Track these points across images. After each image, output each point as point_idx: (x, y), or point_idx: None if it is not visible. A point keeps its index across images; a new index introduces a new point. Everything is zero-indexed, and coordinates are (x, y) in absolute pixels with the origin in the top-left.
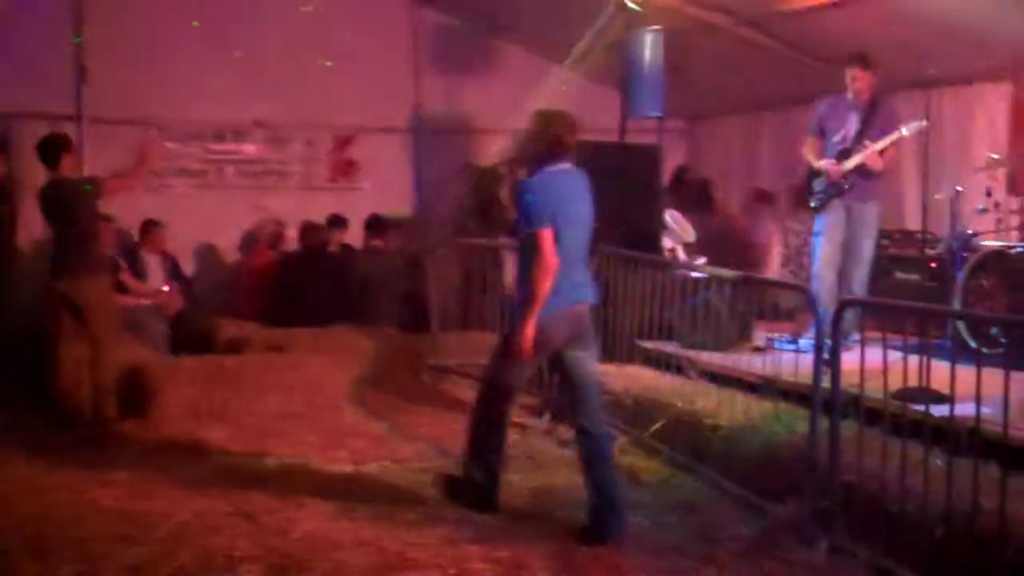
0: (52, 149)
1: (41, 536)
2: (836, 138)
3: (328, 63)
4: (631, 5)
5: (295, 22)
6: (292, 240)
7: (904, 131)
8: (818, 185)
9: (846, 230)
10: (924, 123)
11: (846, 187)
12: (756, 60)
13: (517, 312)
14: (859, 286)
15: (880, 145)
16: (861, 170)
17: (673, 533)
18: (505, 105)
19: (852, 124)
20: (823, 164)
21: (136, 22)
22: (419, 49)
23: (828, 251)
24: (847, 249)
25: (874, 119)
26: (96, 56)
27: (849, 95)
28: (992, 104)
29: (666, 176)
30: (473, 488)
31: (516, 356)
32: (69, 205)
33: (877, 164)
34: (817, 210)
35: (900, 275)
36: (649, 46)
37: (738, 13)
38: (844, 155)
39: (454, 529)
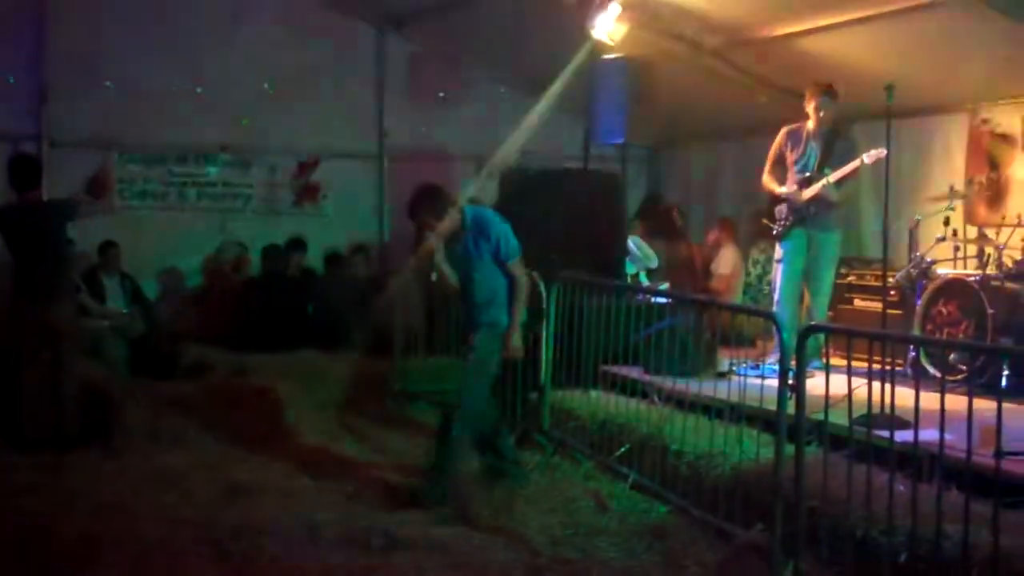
0: (31, 171)
1: (2, 560)
2: (797, 167)
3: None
4: (596, 34)
5: (260, 46)
6: (253, 263)
7: (865, 159)
8: (780, 213)
9: (807, 257)
10: (884, 152)
11: (808, 214)
12: (719, 89)
13: (504, 326)
14: (819, 313)
15: (840, 173)
16: (822, 198)
17: (640, 559)
18: (470, 131)
19: (813, 153)
20: (786, 190)
21: (99, 44)
22: (385, 75)
23: (789, 278)
24: (808, 276)
25: (834, 148)
26: (58, 77)
27: (810, 124)
28: (950, 134)
29: (631, 203)
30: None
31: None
32: (47, 229)
33: (834, 194)
34: (779, 237)
35: (860, 302)
36: (612, 74)
37: (701, 43)
38: (806, 183)
39: (423, 555)
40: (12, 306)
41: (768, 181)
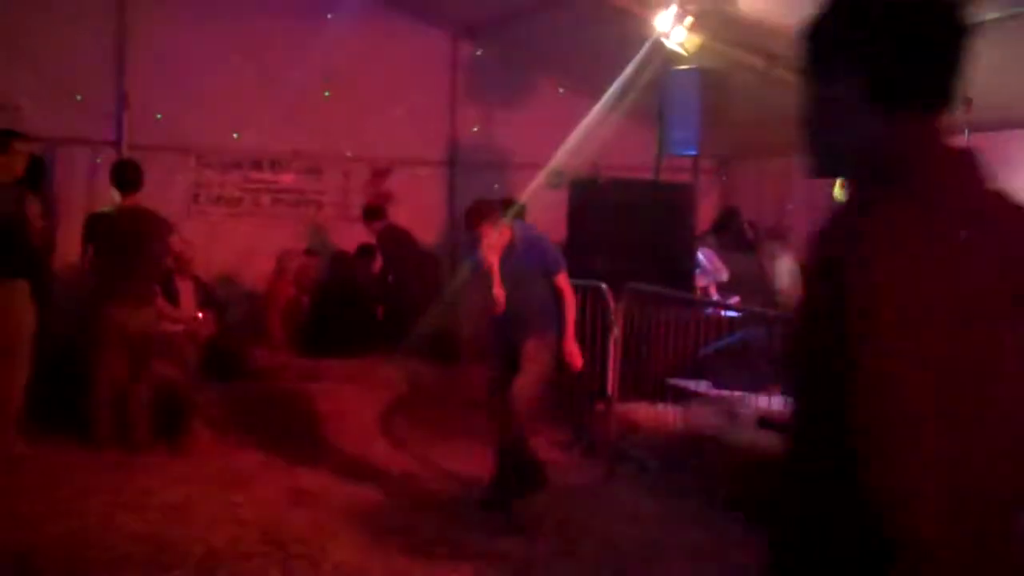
0: (135, 176)
1: (72, 559)
2: None
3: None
4: (670, 45)
5: (336, 54)
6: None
7: None
8: None
9: None
10: None
11: None
12: (790, 101)
13: (556, 333)
14: None
15: None
16: None
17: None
18: (540, 140)
19: None
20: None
21: (177, 50)
22: (456, 82)
23: None
24: None
25: None
26: (137, 83)
27: None
28: None
29: (702, 215)
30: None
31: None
32: (144, 234)
33: None
34: None
35: None
36: (686, 85)
37: (776, 56)
38: None
39: (486, 562)
40: (95, 309)
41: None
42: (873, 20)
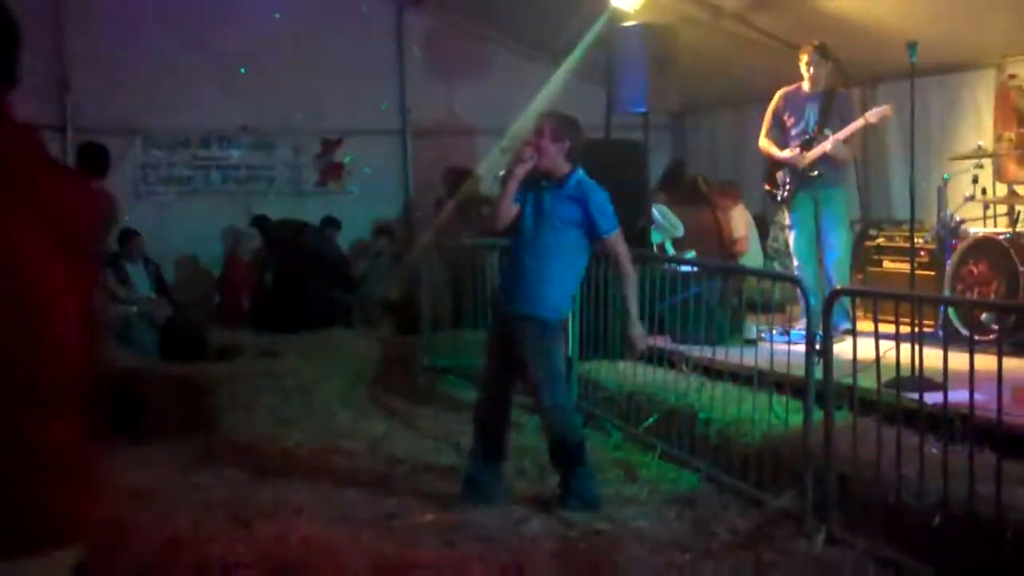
0: (106, 159)
1: None
2: (796, 130)
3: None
4: (615, 2)
5: (280, 26)
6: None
7: (869, 118)
8: (782, 177)
9: (817, 219)
10: (886, 109)
11: (812, 176)
12: (740, 53)
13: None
14: (837, 274)
15: (844, 134)
16: (825, 159)
17: (671, 528)
18: (492, 105)
19: (811, 115)
20: (788, 154)
21: (117, 30)
22: (405, 51)
23: (804, 242)
24: (819, 238)
25: (832, 109)
26: (78, 66)
27: (805, 86)
28: (978, 91)
29: (654, 171)
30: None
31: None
32: (113, 217)
33: (841, 153)
34: (784, 202)
35: (889, 264)
36: (633, 41)
37: (721, 6)
38: (806, 145)
39: (454, 532)
40: None
41: (767, 145)
42: None
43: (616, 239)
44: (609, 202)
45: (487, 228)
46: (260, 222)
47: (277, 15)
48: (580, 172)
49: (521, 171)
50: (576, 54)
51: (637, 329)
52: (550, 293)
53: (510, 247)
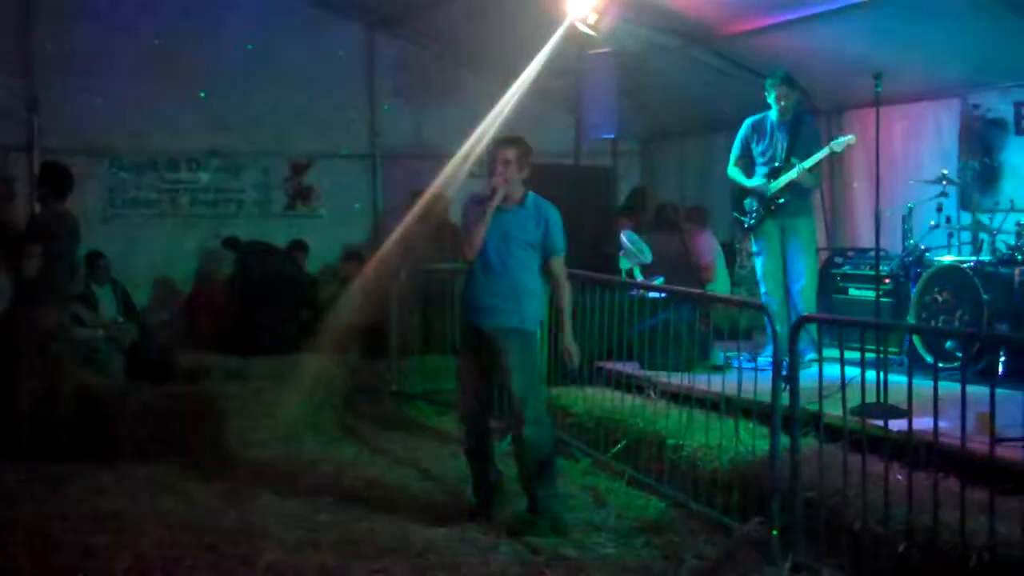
0: (69, 180)
1: (1, 571)
2: (764, 158)
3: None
4: (584, 29)
5: (248, 48)
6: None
7: (834, 147)
8: (749, 205)
9: (784, 246)
10: (852, 139)
11: (779, 203)
12: (709, 81)
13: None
14: (803, 302)
15: (810, 162)
16: (792, 187)
17: (639, 554)
18: (461, 130)
19: (779, 143)
20: (755, 183)
21: (87, 52)
22: (375, 75)
23: (771, 270)
24: (785, 266)
25: (799, 137)
26: (47, 85)
27: (773, 115)
28: (942, 121)
29: (623, 198)
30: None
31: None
32: (75, 239)
33: (808, 181)
34: (751, 229)
35: (855, 292)
36: (601, 69)
37: (689, 35)
38: (773, 174)
39: (423, 558)
40: (7, 312)
41: (735, 173)
42: None
43: (562, 259)
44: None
45: (462, 258)
46: (231, 243)
47: (250, 46)
48: (531, 193)
49: (495, 203)
50: (538, 78)
51: (572, 342)
52: (530, 307)
53: (473, 270)
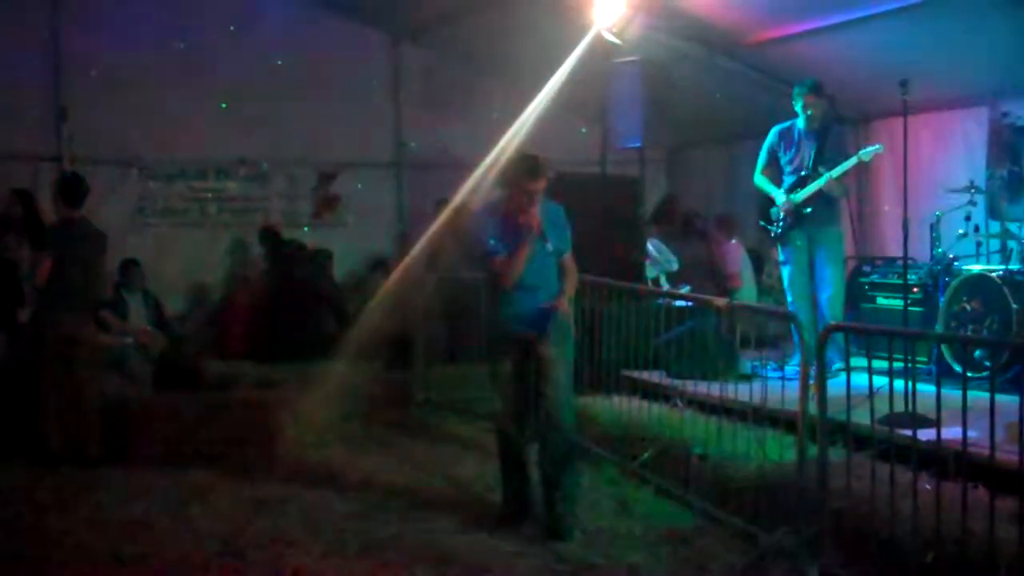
0: (82, 189)
1: None
2: (791, 167)
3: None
4: (609, 38)
5: (275, 57)
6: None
7: (862, 157)
8: (776, 214)
9: (811, 256)
10: (880, 148)
11: (806, 213)
12: (734, 89)
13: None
14: (830, 311)
15: (838, 172)
16: (819, 196)
17: (665, 564)
18: (487, 139)
19: (807, 152)
20: (779, 198)
21: (115, 61)
22: (400, 85)
23: (798, 279)
24: (813, 275)
25: (827, 146)
26: (75, 95)
27: (800, 123)
28: (970, 129)
29: (650, 207)
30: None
31: None
32: (96, 247)
33: (835, 191)
34: (779, 239)
35: (883, 301)
36: (627, 78)
37: (714, 43)
38: (801, 183)
39: (446, 562)
40: (34, 320)
41: (762, 183)
42: None
43: (571, 254)
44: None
45: (500, 286)
46: (268, 236)
47: (279, 61)
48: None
49: (536, 235)
50: (573, 89)
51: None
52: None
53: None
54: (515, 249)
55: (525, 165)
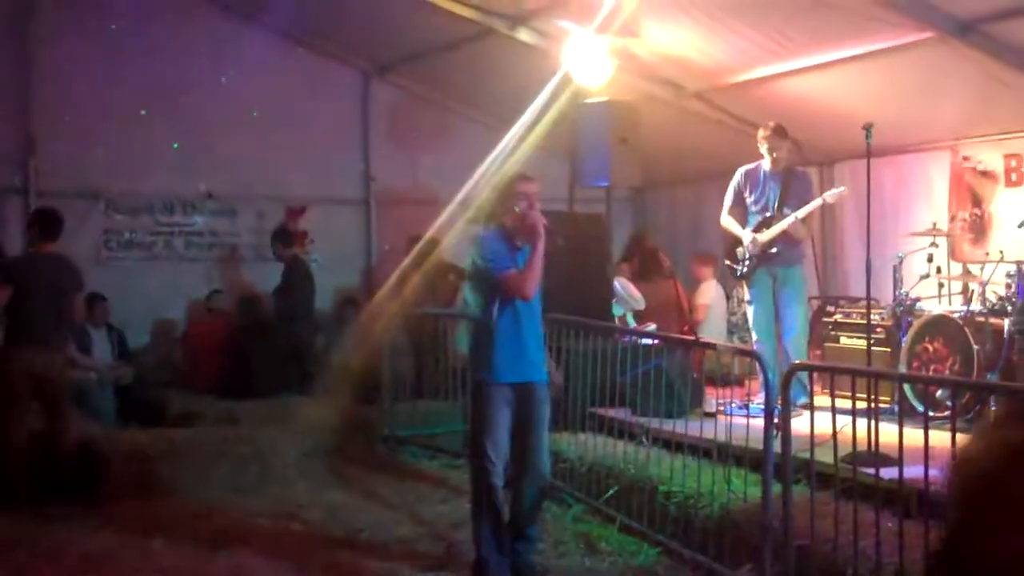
0: (58, 223)
1: None
2: (757, 207)
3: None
4: (578, 79)
5: (246, 94)
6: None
7: (827, 198)
8: (742, 253)
9: (776, 295)
10: (844, 190)
11: (771, 253)
12: (702, 131)
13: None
14: (795, 350)
15: (803, 213)
16: (784, 237)
17: None
18: (456, 175)
19: (772, 193)
20: (745, 238)
21: (84, 94)
22: (370, 121)
23: (762, 317)
24: (777, 314)
25: (791, 187)
26: (43, 129)
27: (766, 165)
28: (932, 173)
29: (616, 245)
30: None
31: None
32: (69, 281)
33: (800, 232)
34: (744, 278)
35: (846, 340)
36: (596, 117)
37: (683, 86)
38: (766, 223)
39: None
40: (6, 356)
41: (728, 223)
42: None
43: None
44: None
45: (519, 296)
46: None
47: (254, 112)
48: None
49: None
50: (540, 128)
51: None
52: (543, 355)
53: (494, 324)
54: (529, 256)
55: (514, 175)
